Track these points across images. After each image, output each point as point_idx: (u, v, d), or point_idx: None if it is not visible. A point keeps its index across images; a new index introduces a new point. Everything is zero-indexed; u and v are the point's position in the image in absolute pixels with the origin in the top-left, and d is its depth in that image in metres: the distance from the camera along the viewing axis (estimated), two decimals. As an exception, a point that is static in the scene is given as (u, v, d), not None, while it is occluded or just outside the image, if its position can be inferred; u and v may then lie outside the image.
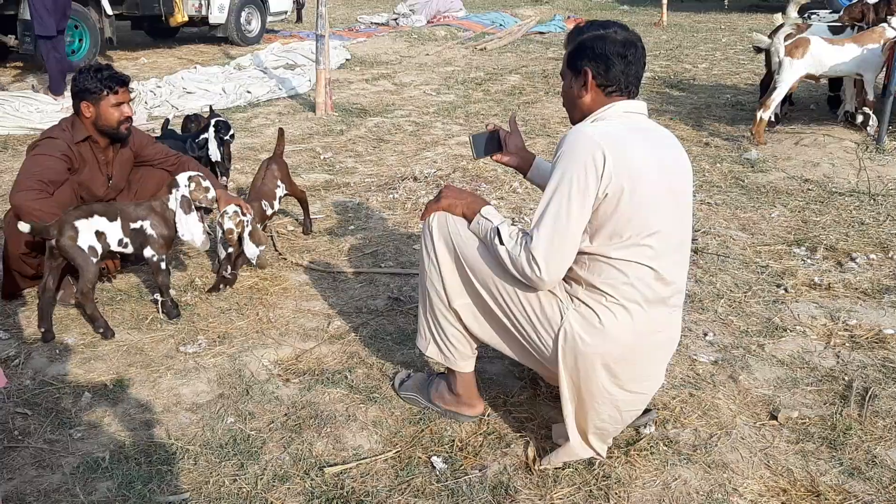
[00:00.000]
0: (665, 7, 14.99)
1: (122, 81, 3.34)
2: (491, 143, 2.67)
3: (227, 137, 4.29)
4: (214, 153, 4.20)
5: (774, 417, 2.54)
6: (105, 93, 3.27)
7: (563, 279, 2.18)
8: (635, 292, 2.11)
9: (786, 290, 3.48)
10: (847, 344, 3.02)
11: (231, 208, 3.31)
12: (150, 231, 3.14)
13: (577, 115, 2.30)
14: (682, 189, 2.21)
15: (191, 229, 3.18)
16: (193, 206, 3.18)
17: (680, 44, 12.06)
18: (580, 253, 2.13)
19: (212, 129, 4.21)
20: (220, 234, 3.37)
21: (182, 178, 3.24)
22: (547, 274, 2.08)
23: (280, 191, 3.85)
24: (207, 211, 3.31)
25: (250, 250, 3.37)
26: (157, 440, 2.39)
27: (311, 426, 2.49)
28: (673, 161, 2.20)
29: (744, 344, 3.02)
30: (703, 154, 5.80)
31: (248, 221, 3.36)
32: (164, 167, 3.68)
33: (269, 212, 3.75)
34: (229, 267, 3.48)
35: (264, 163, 3.92)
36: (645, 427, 2.45)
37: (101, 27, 9.20)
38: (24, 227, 2.88)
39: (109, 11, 9.22)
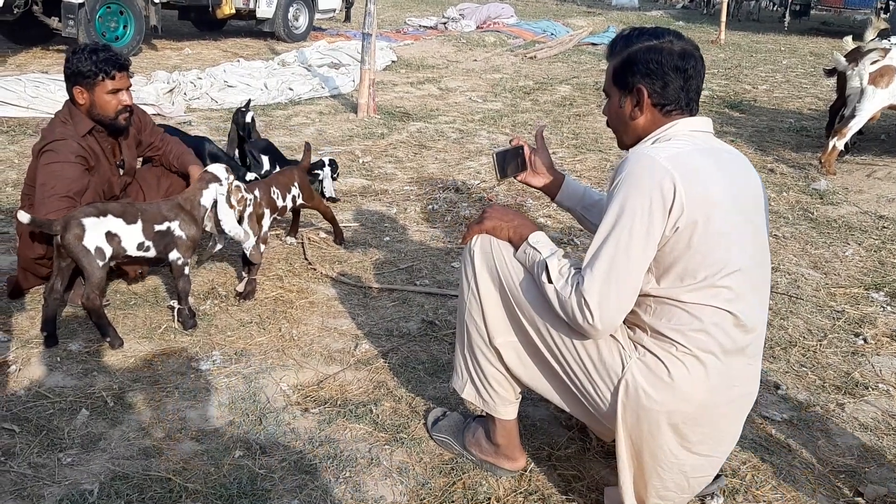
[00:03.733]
0: (723, 25, 14.53)
1: (121, 65, 2.99)
2: (515, 161, 2.34)
3: (335, 176, 4.30)
4: (329, 190, 4.15)
5: (860, 494, 2.19)
6: (100, 77, 2.93)
7: (625, 323, 1.87)
8: (711, 341, 1.80)
9: (865, 340, 3.11)
10: (939, 409, 2.65)
11: (234, 183, 3.09)
12: (178, 232, 2.89)
13: (628, 137, 2.00)
14: (760, 220, 1.91)
15: (234, 225, 2.97)
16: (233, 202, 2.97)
17: (739, 63, 11.62)
18: (644, 295, 1.83)
19: (328, 168, 4.16)
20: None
21: (221, 170, 3.00)
22: (600, 321, 1.77)
23: (295, 190, 3.58)
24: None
25: (246, 237, 3.12)
26: (155, 473, 2.12)
27: (328, 468, 2.20)
28: (749, 187, 1.89)
29: (821, 401, 2.66)
30: (767, 181, 5.42)
31: (250, 201, 3.13)
32: (161, 159, 3.39)
33: (280, 203, 3.45)
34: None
35: (288, 168, 3.74)
36: (712, 498, 2.12)
37: (147, 14, 9.09)
38: (23, 216, 2.62)
39: (156, -1, 9.11)
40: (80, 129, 2.98)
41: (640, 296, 1.82)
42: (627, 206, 1.76)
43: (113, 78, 2.96)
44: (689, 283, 1.78)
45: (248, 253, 3.16)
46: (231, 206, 3.02)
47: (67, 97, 3.04)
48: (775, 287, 3.56)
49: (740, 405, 1.93)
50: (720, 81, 9.79)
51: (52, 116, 3.10)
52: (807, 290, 3.60)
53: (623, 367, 1.86)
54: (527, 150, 2.37)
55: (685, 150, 1.83)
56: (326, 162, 4.19)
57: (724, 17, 14.70)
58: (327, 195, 4.13)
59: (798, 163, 5.94)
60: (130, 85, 3.09)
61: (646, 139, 1.94)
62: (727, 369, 1.82)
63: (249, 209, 3.13)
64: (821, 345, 3.06)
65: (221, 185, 3.01)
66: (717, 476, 2.14)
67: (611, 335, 1.87)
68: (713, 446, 1.91)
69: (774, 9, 22.40)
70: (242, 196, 3.09)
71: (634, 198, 1.75)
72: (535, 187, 2.41)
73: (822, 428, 2.51)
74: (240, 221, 3.11)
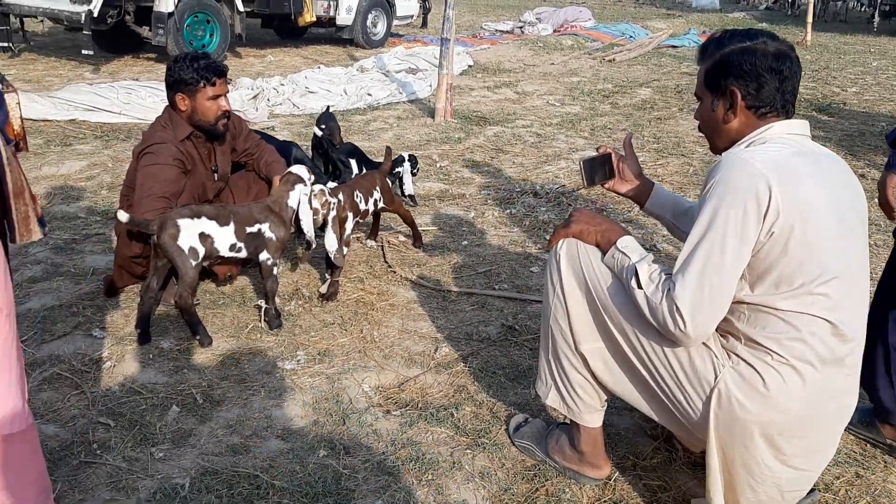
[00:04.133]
0: (809, 26, 14.04)
1: (220, 72, 3.10)
2: (603, 169, 2.31)
3: (415, 171, 4.40)
4: (409, 187, 4.22)
5: (967, 517, 2.07)
6: (202, 84, 3.03)
7: (718, 330, 1.82)
8: (808, 350, 1.73)
9: (970, 353, 2.94)
10: None
11: (318, 187, 3.15)
12: (268, 234, 2.97)
13: (721, 142, 1.95)
14: (860, 227, 1.82)
15: (311, 226, 3.08)
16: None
17: (826, 65, 11.20)
18: (738, 302, 1.78)
19: (407, 163, 4.22)
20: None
21: (304, 171, 3.08)
22: (693, 329, 1.72)
23: (377, 194, 3.61)
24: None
25: (330, 240, 3.16)
26: (243, 470, 2.17)
27: (410, 470, 2.20)
28: (848, 193, 1.82)
29: (923, 417, 2.53)
30: (858, 185, 5.19)
31: (334, 205, 3.17)
32: (253, 164, 3.51)
33: (362, 206, 3.48)
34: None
35: (370, 171, 3.79)
36: (806, 514, 2.04)
37: (232, 23, 9.36)
38: (122, 216, 2.73)
39: (241, 8, 9.36)
40: (179, 134, 3.09)
41: (733, 303, 1.77)
42: (721, 211, 1.71)
43: (213, 84, 3.06)
44: (785, 290, 1.73)
45: (332, 256, 3.21)
46: (312, 208, 3.09)
47: (167, 103, 3.16)
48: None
49: (837, 417, 1.85)
50: (807, 84, 9.46)
51: (152, 121, 3.22)
52: (906, 300, 3.42)
53: (716, 376, 1.81)
54: (614, 158, 2.33)
55: (782, 153, 1.77)
56: (405, 157, 4.19)
57: (809, 18, 14.19)
58: (406, 192, 4.14)
59: (893, 167, 5.66)
60: (228, 91, 3.18)
61: (740, 143, 1.89)
62: (825, 380, 1.75)
63: (333, 213, 3.18)
64: (922, 358, 2.91)
65: (305, 185, 3.08)
66: (811, 490, 2.05)
67: (703, 343, 1.82)
68: (809, 459, 1.84)
69: (862, 9, 21.49)
70: (326, 200, 3.14)
71: (728, 202, 1.70)
72: (623, 195, 2.37)
73: (924, 445, 2.39)
74: (324, 226, 3.16)
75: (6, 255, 1.40)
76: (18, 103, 1.47)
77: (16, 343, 1.41)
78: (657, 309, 1.77)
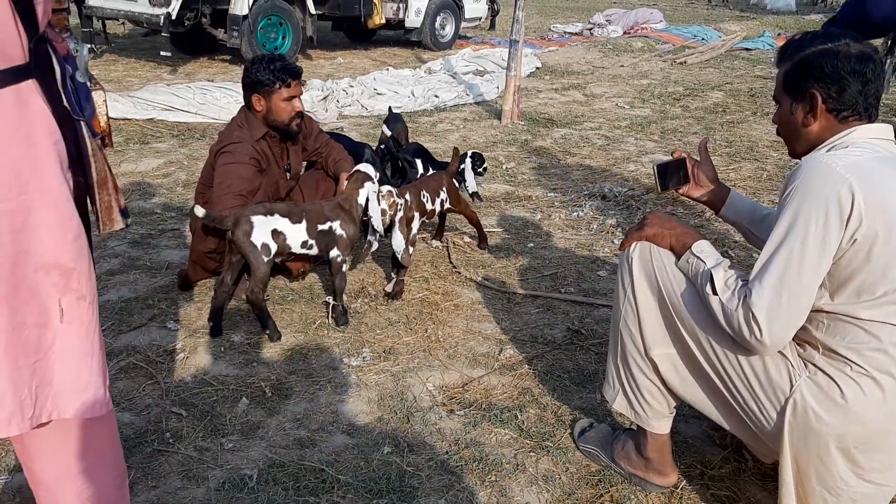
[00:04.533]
0: (892, 26, 13.50)
1: (296, 73, 3.17)
2: (677, 174, 2.27)
3: (481, 170, 4.33)
4: (472, 185, 4.19)
5: None
6: (277, 85, 3.10)
7: (794, 339, 1.77)
8: (890, 362, 1.67)
9: None
10: None
11: (385, 188, 3.19)
12: (339, 231, 3.02)
13: (801, 146, 1.89)
14: None
15: (380, 223, 3.12)
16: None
17: (910, 67, 10.76)
18: (816, 311, 1.72)
19: (469, 160, 4.19)
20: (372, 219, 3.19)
21: (370, 168, 3.13)
22: (769, 337, 1.68)
23: (444, 194, 3.61)
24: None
25: (397, 241, 3.18)
26: (309, 464, 2.20)
27: (473, 471, 2.20)
28: None
29: None
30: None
31: (401, 206, 3.18)
32: (323, 163, 3.56)
33: (429, 206, 3.49)
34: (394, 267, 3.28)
35: (437, 172, 3.79)
36: (883, 533, 1.96)
37: (304, 26, 9.53)
38: (199, 211, 2.81)
39: (313, 11, 9.53)
40: (254, 134, 3.17)
41: (812, 311, 1.71)
42: (801, 216, 1.66)
43: (289, 86, 3.13)
44: (867, 299, 1.67)
45: (399, 256, 3.23)
46: (380, 208, 3.12)
47: (243, 103, 3.25)
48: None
49: (921, 432, 1.78)
50: (890, 89, 9.10)
51: (229, 121, 3.31)
52: None
53: (791, 386, 1.76)
54: (689, 163, 2.29)
55: (865, 157, 1.71)
56: (469, 154, 4.21)
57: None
58: (470, 191, 4.17)
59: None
60: (302, 92, 3.25)
61: (820, 147, 1.83)
62: (907, 393, 1.68)
63: (400, 213, 3.20)
64: None
65: (373, 183, 3.13)
66: (891, 508, 1.98)
67: (779, 352, 1.77)
68: (887, 475, 1.78)
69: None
70: (395, 201, 3.17)
71: (809, 207, 1.65)
72: (698, 200, 2.32)
73: None
74: (391, 226, 3.19)
75: (90, 246, 1.46)
76: (105, 101, 1.53)
77: (98, 332, 1.46)
78: (732, 316, 1.73)
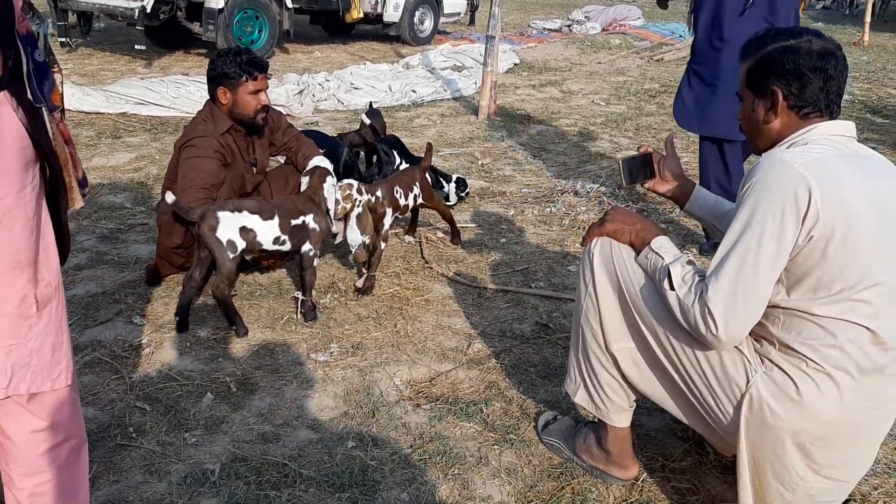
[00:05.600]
0: (868, 26, 13.65)
1: (262, 66, 3.16)
2: (643, 169, 2.29)
3: (463, 194, 4.50)
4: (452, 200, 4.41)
5: None
6: (244, 78, 3.10)
7: (751, 335, 1.79)
8: (845, 358, 1.68)
9: None
10: None
11: (346, 181, 3.18)
12: (312, 225, 3.03)
13: (763, 142, 1.90)
14: None
15: (335, 224, 3.11)
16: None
17: (884, 66, 10.88)
18: (773, 306, 1.74)
19: (453, 184, 4.39)
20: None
21: (328, 163, 3.14)
22: (725, 333, 1.69)
23: (417, 189, 3.62)
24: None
25: (352, 234, 3.17)
26: (272, 458, 2.20)
27: (437, 464, 2.21)
28: (895, 195, 1.74)
29: (968, 430, 2.45)
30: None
31: (360, 203, 3.17)
32: (293, 158, 3.54)
33: (402, 202, 3.48)
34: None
35: (410, 167, 3.81)
36: (839, 524, 1.99)
37: (281, 19, 9.48)
38: (170, 197, 2.81)
39: (290, 4, 9.48)
40: (219, 128, 3.15)
41: (768, 307, 1.73)
42: (758, 213, 1.67)
43: (255, 79, 3.12)
44: (823, 296, 1.68)
45: (353, 251, 3.22)
46: (336, 207, 3.11)
47: (209, 97, 3.22)
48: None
49: (877, 429, 1.80)
50: (862, 85, 9.20)
51: (194, 115, 3.28)
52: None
53: (748, 382, 1.77)
54: (656, 157, 2.30)
55: (824, 154, 1.72)
56: (454, 179, 4.36)
57: (868, 18, 13.79)
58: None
59: (949, 172, 5.49)
60: (268, 86, 3.24)
61: (781, 144, 1.84)
62: (863, 389, 1.70)
63: (358, 210, 3.19)
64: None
65: (332, 177, 3.13)
66: (847, 501, 2.00)
67: (735, 347, 1.79)
68: (843, 471, 1.80)
69: (926, 8, 20.82)
70: (350, 194, 3.15)
71: (765, 204, 1.66)
72: (663, 195, 2.34)
73: (969, 458, 2.31)
74: (347, 219, 3.18)
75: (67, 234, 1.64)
76: (62, 82, 1.58)
77: (64, 316, 1.61)
78: (689, 311, 1.75)
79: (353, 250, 3.22)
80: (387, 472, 2.17)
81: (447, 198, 4.37)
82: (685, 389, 1.89)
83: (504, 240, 4.05)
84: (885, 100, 8.30)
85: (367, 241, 3.25)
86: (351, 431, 2.35)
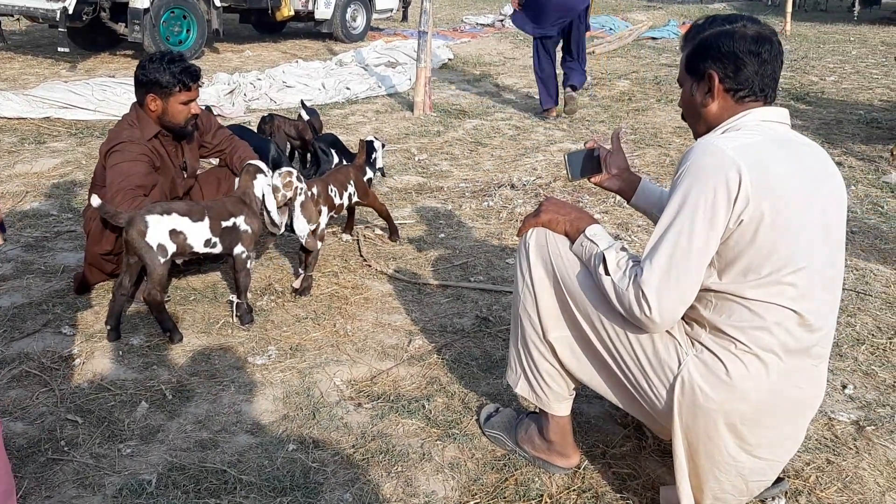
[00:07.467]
0: (789, 16, 14.10)
1: (196, 76, 3.06)
2: (589, 163, 2.30)
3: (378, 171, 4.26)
4: (379, 161, 4.15)
5: (934, 499, 2.09)
6: (178, 89, 3.00)
7: (683, 318, 1.82)
8: (773, 340, 1.73)
9: (940, 338, 2.97)
10: None
11: (286, 169, 3.12)
12: (244, 227, 2.95)
13: (701, 127, 1.93)
14: (836, 216, 1.80)
15: (278, 216, 3.04)
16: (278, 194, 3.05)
17: (805, 54, 11.26)
18: (705, 290, 1.77)
19: (378, 142, 4.12)
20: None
21: (261, 163, 3.07)
22: (659, 315, 1.72)
23: (351, 188, 3.58)
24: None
25: (300, 225, 3.14)
26: (210, 465, 2.15)
27: (380, 463, 2.20)
28: (825, 183, 1.80)
29: (891, 402, 2.55)
30: (833, 174, 5.21)
31: (302, 190, 3.13)
32: (226, 161, 3.47)
33: (337, 201, 3.43)
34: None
35: (344, 165, 3.73)
36: (774, 500, 2.04)
37: (209, 18, 9.29)
38: (95, 200, 2.71)
39: (218, 3, 9.30)
40: (146, 133, 3.06)
41: (701, 290, 1.76)
42: (690, 197, 1.70)
43: (189, 89, 3.03)
44: (753, 279, 1.72)
45: (303, 241, 3.18)
46: (272, 186, 3.05)
47: (136, 101, 3.11)
48: (843, 283, 3.42)
49: (803, 408, 1.85)
50: (785, 73, 9.50)
51: (119, 119, 3.18)
52: (875, 286, 3.45)
53: (679, 364, 1.80)
54: (602, 152, 2.32)
55: (756, 140, 1.75)
56: (374, 140, 4.14)
57: (789, 8, 14.27)
58: (377, 166, 4.10)
59: (868, 155, 5.72)
60: (199, 95, 3.15)
61: (716, 129, 1.87)
62: (790, 370, 1.75)
63: (301, 197, 3.14)
64: (891, 342, 2.93)
65: (266, 175, 3.06)
66: (780, 479, 2.06)
67: (667, 331, 1.82)
68: (773, 450, 1.84)
69: (843, -2, 21.64)
70: (291, 181, 3.10)
71: (697, 188, 1.69)
72: (609, 189, 2.35)
73: (892, 429, 2.40)
74: (291, 209, 3.13)
75: None
76: None
77: None
78: (624, 295, 1.77)
79: (303, 241, 3.18)
80: (329, 474, 2.14)
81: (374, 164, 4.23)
82: (620, 375, 1.92)
83: (443, 235, 4.04)
84: (808, 87, 8.59)
85: (316, 230, 3.21)
86: (291, 434, 2.32)
